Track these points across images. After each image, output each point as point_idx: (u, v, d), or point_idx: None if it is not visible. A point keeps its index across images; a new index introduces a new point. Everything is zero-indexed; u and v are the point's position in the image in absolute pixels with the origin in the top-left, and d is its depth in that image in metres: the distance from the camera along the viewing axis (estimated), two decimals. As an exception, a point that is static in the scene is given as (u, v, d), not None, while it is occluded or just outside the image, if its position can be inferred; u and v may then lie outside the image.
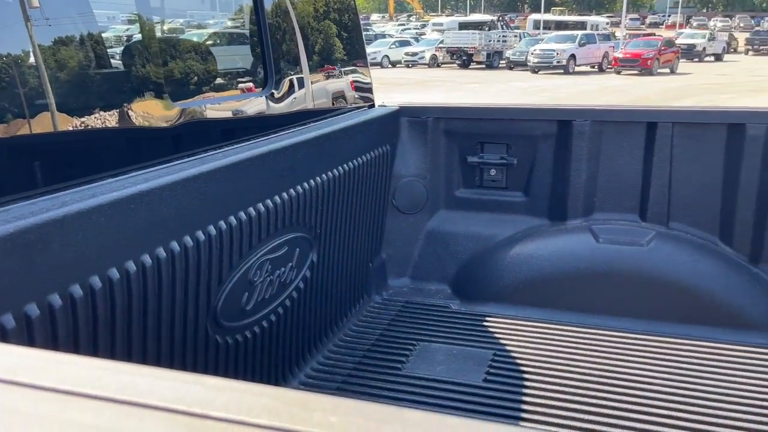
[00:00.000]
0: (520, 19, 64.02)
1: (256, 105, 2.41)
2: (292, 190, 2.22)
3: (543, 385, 2.37)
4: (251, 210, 1.99)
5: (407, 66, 33.60)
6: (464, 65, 32.49)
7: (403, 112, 3.20)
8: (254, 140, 2.19)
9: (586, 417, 2.18)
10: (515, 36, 36.07)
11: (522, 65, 29.74)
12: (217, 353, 1.95)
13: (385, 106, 3.25)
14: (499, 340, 2.73)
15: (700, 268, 2.82)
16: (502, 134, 3.14)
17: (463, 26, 38.03)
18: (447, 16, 66.29)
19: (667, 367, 2.49)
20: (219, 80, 2.40)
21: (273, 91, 2.46)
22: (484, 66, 32.26)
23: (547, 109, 3.11)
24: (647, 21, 72.61)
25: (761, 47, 39.14)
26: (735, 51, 41.48)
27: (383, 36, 39.06)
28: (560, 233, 3.04)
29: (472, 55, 32.24)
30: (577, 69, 28.76)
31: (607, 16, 61.34)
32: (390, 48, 34.31)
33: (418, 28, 49.95)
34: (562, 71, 28.19)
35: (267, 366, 2.25)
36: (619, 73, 27.92)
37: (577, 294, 2.91)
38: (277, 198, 2.13)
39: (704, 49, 35.15)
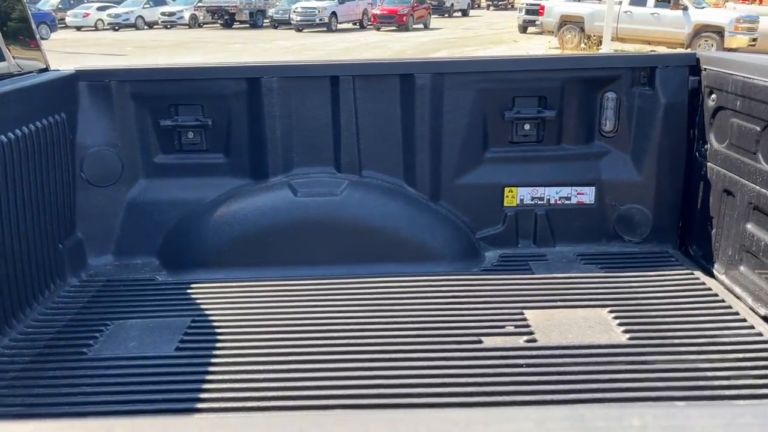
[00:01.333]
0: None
1: None
2: None
3: (241, 344, 2.38)
4: None
5: (165, 27, 31.54)
6: (227, 25, 31.37)
7: (81, 76, 2.94)
8: None
9: (283, 365, 2.23)
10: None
11: (286, 24, 29.55)
12: None
13: (59, 70, 2.95)
14: (199, 307, 2.69)
15: (388, 211, 3.04)
16: (194, 95, 3.04)
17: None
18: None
19: (366, 304, 2.65)
20: None
21: None
22: (248, 25, 31.47)
23: (235, 68, 3.07)
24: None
25: (499, 2, 43.44)
26: (479, 6, 45.46)
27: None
28: (262, 191, 3.06)
29: (234, 14, 31.21)
30: (339, 26, 29.35)
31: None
32: (144, 8, 31.81)
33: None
34: (325, 29, 28.57)
35: None
36: (378, 29, 29.06)
37: (281, 249, 2.97)
38: None
39: (452, 5, 37.94)
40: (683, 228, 3.14)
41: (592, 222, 3.17)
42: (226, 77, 3.01)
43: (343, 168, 3.10)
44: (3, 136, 2.38)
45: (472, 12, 39.89)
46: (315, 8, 28.57)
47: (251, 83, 2.99)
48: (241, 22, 31.57)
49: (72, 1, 33.60)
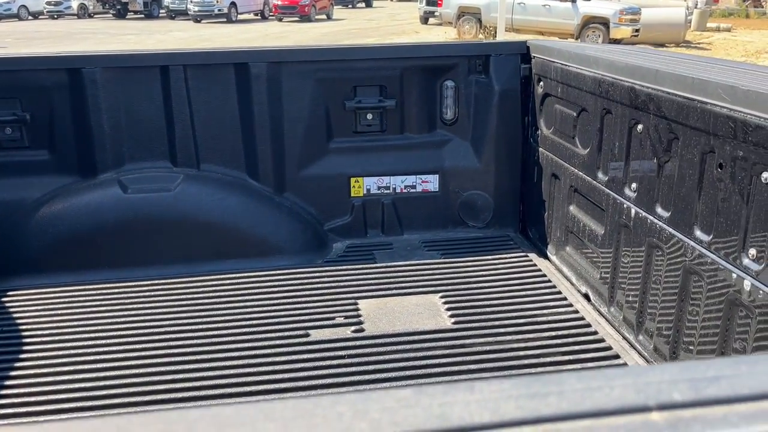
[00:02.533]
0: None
1: None
2: None
3: (50, 351, 2.24)
4: None
5: (52, 17, 29.72)
6: (120, 15, 29.94)
7: None
8: None
9: (91, 370, 2.10)
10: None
11: (184, 14, 28.53)
12: None
13: None
14: (12, 315, 2.50)
15: (226, 205, 2.95)
16: (9, 87, 2.82)
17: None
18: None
19: (197, 304, 2.56)
20: None
21: None
22: (142, 16, 30.15)
23: (53, 58, 2.88)
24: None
25: (403, -6, 43.83)
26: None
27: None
28: (89, 189, 2.89)
29: (127, 3, 29.82)
30: (240, 17, 28.65)
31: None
32: (25, -3, 29.85)
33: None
34: (225, 20, 27.82)
35: None
36: (280, 20, 28.61)
37: (109, 250, 2.82)
38: None
39: (356, -5, 37.91)
40: (523, 212, 3.23)
41: (437, 209, 3.21)
42: (44, 68, 2.81)
43: (179, 162, 2.97)
44: None
45: (375, 3, 40.02)
46: (213, -2, 27.75)
47: (72, 74, 2.81)
48: (135, 12, 30.21)
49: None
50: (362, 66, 3.05)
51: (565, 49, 2.71)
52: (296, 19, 28.41)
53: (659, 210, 2.07)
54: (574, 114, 2.62)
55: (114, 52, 2.96)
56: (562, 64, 2.67)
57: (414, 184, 3.19)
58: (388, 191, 3.18)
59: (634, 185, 2.21)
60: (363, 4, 38.46)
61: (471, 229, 3.24)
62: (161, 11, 30.56)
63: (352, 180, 3.14)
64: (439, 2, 20.88)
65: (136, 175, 2.92)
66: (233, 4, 28.19)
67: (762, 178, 1.62)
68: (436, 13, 22.20)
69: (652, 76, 2.04)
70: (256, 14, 30.29)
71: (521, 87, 3.08)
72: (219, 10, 27.52)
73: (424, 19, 24.96)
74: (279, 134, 3.02)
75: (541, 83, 2.92)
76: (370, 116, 3.11)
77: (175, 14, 29.16)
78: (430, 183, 3.20)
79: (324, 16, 29.67)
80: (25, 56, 2.91)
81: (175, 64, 2.87)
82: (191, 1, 27.67)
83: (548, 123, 2.90)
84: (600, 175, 2.45)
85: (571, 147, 2.66)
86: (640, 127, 2.15)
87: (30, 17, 29.33)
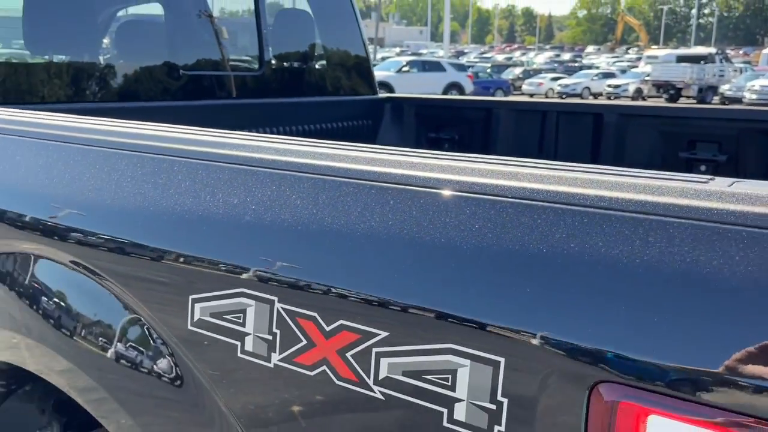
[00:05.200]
0: (754, 53, 57.85)
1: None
2: None
3: None
4: None
5: (608, 98, 32.71)
6: (672, 99, 30.67)
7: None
8: None
9: None
10: (735, 70, 33.13)
11: (737, 102, 27.33)
12: None
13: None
14: None
15: None
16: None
17: (681, 59, 35.82)
18: (671, 48, 62.31)
19: None
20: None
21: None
22: (694, 101, 30.18)
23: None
24: None
25: None
26: None
27: (588, 68, 38.38)
28: None
29: (681, 89, 30.37)
30: None
31: None
32: (592, 80, 33.71)
33: (632, 62, 47.95)
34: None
35: None
36: None
37: None
38: None
39: None
40: None
41: None
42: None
43: None
44: None
45: None
46: (775, 86, 25.70)
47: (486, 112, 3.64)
48: (687, 97, 30.47)
49: (532, 72, 37.83)
50: (700, 123, 3.07)
51: None
52: None
53: None
54: None
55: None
56: None
57: None
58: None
59: None
60: None
61: None
62: (715, 98, 29.99)
63: None
64: None
65: None
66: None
67: None
68: None
69: None
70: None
71: None
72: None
73: None
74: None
75: None
76: (703, 168, 3.10)
77: (728, 101, 28.21)
78: None
79: None
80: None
81: (551, 110, 3.39)
82: (749, 89, 26.31)
83: None
84: None
85: None
86: None
87: (591, 96, 33.01)
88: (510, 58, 54.78)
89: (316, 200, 1.01)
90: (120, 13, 3.04)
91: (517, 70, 38.79)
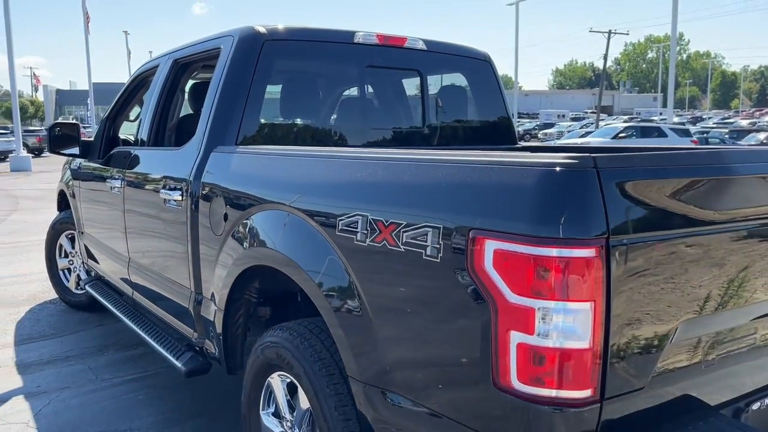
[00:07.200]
0: None
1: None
2: None
3: None
4: None
5: None
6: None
7: None
8: None
9: None
10: None
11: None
12: None
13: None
14: None
15: None
16: None
17: None
18: None
19: None
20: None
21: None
22: None
23: None
24: None
25: None
26: None
27: None
28: None
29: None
30: None
31: None
32: None
33: None
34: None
35: None
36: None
37: None
38: None
39: None
40: None
41: None
42: None
43: None
44: None
45: None
46: None
47: None
48: None
49: None
50: None
51: None
52: None
53: None
54: None
55: None
56: None
57: None
58: None
59: None
60: None
61: None
62: None
63: None
64: None
65: None
66: None
67: None
68: None
69: None
70: None
71: None
72: None
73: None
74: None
75: None
76: None
77: None
78: None
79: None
80: None
81: None
82: None
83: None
84: None
85: None
86: None
87: None
88: (755, 123, 49.87)
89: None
90: (344, 94, 4.37)
91: (762, 135, 35.34)
